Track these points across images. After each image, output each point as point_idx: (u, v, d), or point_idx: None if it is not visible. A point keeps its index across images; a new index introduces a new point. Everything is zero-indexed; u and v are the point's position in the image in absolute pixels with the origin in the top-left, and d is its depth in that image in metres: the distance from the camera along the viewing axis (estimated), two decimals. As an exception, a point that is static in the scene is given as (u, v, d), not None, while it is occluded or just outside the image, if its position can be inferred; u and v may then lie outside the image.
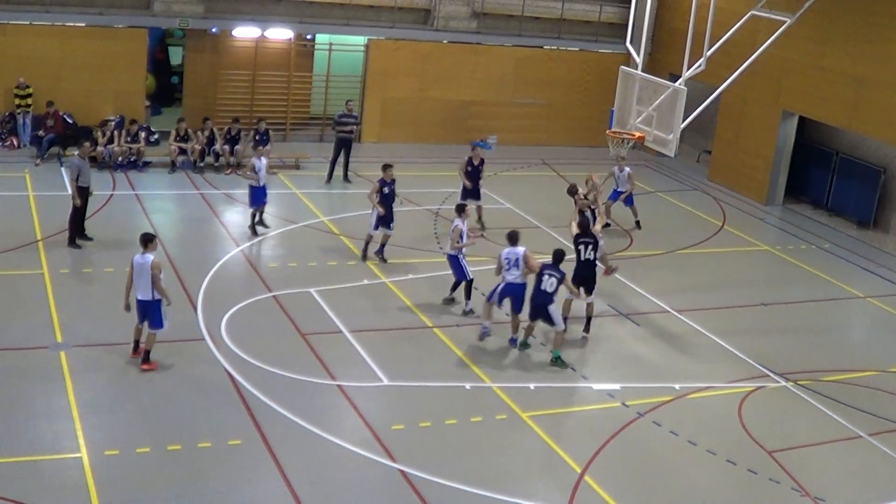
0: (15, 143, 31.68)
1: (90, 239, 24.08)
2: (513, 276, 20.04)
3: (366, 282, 22.99)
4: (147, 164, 30.87)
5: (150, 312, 17.85)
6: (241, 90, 35.25)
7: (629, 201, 29.27)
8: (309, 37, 36.49)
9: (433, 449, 16.50)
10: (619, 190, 29.06)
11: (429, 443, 16.69)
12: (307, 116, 37.03)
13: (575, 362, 19.98)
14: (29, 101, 31.76)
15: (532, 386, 18.85)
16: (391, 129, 36.95)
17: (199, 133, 31.39)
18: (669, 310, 23.29)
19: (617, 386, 19.26)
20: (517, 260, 19.99)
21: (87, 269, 22.47)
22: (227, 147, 31.40)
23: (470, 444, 16.81)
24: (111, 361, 18.34)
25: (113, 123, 31.64)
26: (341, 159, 31.32)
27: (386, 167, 24.50)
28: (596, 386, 19.24)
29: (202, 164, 31.11)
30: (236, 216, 27.21)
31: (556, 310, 19.85)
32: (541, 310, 19.73)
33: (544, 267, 19.74)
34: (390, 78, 36.71)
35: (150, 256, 17.80)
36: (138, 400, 17.03)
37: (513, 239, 20.34)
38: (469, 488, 15.37)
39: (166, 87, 38.07)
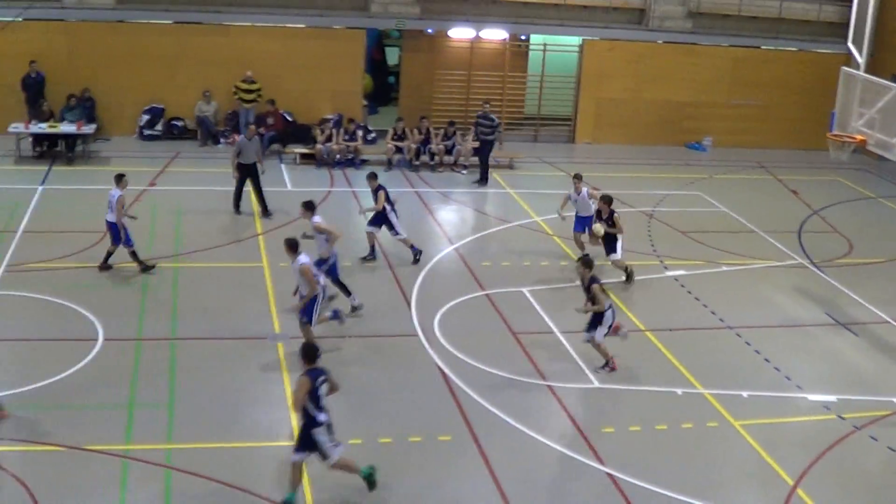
0: (238, 139, 32.73)
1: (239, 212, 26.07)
2: None
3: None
4: (364, 161, 31.52)
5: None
6: (457, 90, 35.63)
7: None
8: (523, 37, 36.62)
9: (642, 454, 16.28)
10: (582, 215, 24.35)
11: (638, 447, 16.48)
12: (521, 116, 37.17)
13: (790, 372, 19.43)
14: (254, 95, 32.79)
15: (745, 394, 18.40)
16: (605, 130, 36.76)
17: (415, 132, 31.87)
18: (890, 320, 22.40)
19: (833, 398, 18.60)
20: None
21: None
22: (442, 146, 31.78)
23: (680, 450, 16.53)
24: (327, 354, 18.73)
25: (331, 122, 32.41)
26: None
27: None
28: (811, 397, 18.63)
29: (418, 163, 31.58)
30: (451, 214, 27.52)
31: None
32: None
33: None
34: (604, 78, 36.52)
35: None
36: (352, 392, 17.34)
37: None
38: (677, 495, 15.09)
39: (383, 87, 38.80)
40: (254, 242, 24.13)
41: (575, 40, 36.54)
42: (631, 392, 18.20)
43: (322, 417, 13.98)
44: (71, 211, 25.95)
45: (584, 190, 24.00)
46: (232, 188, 26.34)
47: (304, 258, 18.13)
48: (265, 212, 26.17)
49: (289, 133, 32.41)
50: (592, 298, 18.42)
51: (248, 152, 26.12)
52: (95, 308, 20.00)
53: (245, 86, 32.84)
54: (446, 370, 18.36)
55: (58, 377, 17.25)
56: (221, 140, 32.83)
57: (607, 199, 22.91)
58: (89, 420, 15.89)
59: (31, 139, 30.89)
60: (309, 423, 13.94)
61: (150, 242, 23.73)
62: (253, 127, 27.72)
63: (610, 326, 18.69)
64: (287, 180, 29.61)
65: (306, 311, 18.16)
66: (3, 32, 30.93)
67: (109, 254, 22.10)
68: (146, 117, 33.38)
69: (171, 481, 14.68)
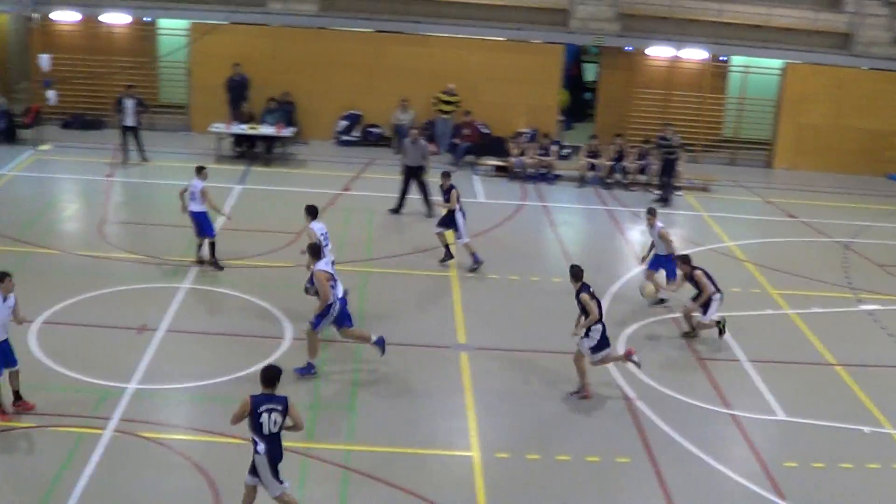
0: (432, 149, 33.04)
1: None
2: None
3: (769, 311, 22.27)
4: (557, 177, 31.40)
5: None
6: (654, 109, 35.15)
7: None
8: (723, 58, 35.92)
9: (825, 492, 15.64)
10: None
11: (821, 485, 15.84)
12: (718, 139, 36.46)
13: None
14: (453, 107, 33.03)
15: (940, 436, 17.60)
16: (804, 156, 35.74)
17: (610, 149, 31.59)
18: None
19: None
20: None
21: (493, 276, 23.01)
22: (636, 164, 31.42)
23: (864, 491, 15.81)
24: (511, 367, 18.72)
25: (526, 136, 32.38)
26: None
27: None
28: None
29: (611, 181, 31.29)
30: (641, 234, 27.18)
31: None
32: None
33: None
34: (806, 103, 35.51)
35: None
36: (535, 407, 17.24)
37: None
38: (861, 538, 14.53)
39: (579, 103, 38.60)
40: (443, 252, 24.20)
41: (776, 63, 35.65)
42: (816, 427, 17.54)
43: (260, 448, 12.77)
44: (266, 211, 26.58)
45: (658, 224, 21.98)
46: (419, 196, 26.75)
47: (321, 264, 17.93)
48: (429, 213, 26.48)
49: (483, 145, 32.52)
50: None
51: (411, 155, 26.65)
52: (285, 306, 20.40)
53: (445, 97, 33.12)
54: (629, 392, 18.05)
55: (244, 372, 17.61)
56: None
57: (685, 259, 20.67)
58: (273, 417, 16.20)
59: (231, 139, 31.78)
60: (254, 449, 12.95)
61: (342, 246, 24.06)
62: (416, 131, 28.05)
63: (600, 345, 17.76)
64: (480, 192, 29.67)
65: (316, 317, 17.80)
66: (211, 35, 31.96)
67: (201, 246, 22.53)
68: (344, 123, 33.97)
69: (347, 482, 14.81)
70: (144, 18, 34.61)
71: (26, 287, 20.82)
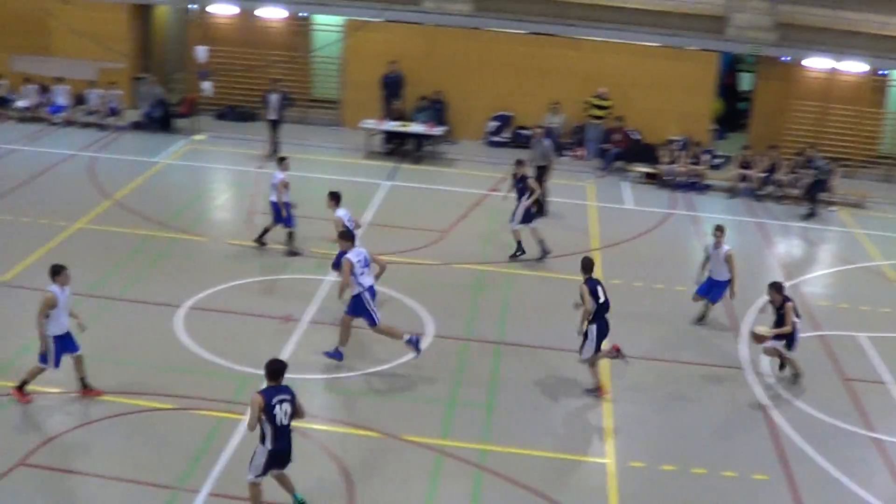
0: (581, 153, 32.87)
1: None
2: None
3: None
4: (707, 187, 30.90)
5: None
6: (809, 121, 34.29)
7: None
8: (883, 72, 34.87)
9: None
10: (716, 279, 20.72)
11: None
12: (875, 155, 35.42)
13: None
14: (605, 112, 32.81)
15: None
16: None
17: (763, 161, 30.97)
18: None
19: None
20: None
21: (638, 284, 22.77)
22: (789, 177, 30.73)
23: None
24: (652, 376, 18.50)
25: (677, 144, 31.97)
26: None
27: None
28: None
29: (763, 193, 30.67)
30: (791, 248, 26.65)
31: None
32: None
33: None
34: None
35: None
36: (673, 418, 17.01)
37: None
38: None
39: (733, 113, 37.93)
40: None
41: (941, 79, 34.52)
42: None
43: (268, 442, 12.99)
44: (414, 208, 26.76)
45: (725, 247, 20.39)
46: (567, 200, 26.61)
47: (350, 254, 17.69)
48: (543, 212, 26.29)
49: (634, 151, 32.20)
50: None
51: (532, 153, 26.71)
52: (428, 304, 20.51)
53: (597, 101, 32.90)
54: (769, 408, 17.66)
55: (385, 366, 17.78)
56: (565, 152, 32.96)
57: (778, 288, 18.58)
58: (409, 411, 16.24)
59: (382, 136, 32.08)
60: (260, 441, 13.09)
61: (485, 246, 24.14)
62: (539, 130, 28.04)
63: (599, 344, 17.43)
64: (628, 199, 29.39)
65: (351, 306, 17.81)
66: (364, 32, 32.32)
67: (266, 230, 23.02)
68: (494, 124, 34.00)
69: (480, 481, 14.81)
70: (300, 14, 35.14)
71: (175, 272, 21.46)
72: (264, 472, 13.19)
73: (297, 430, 15.57)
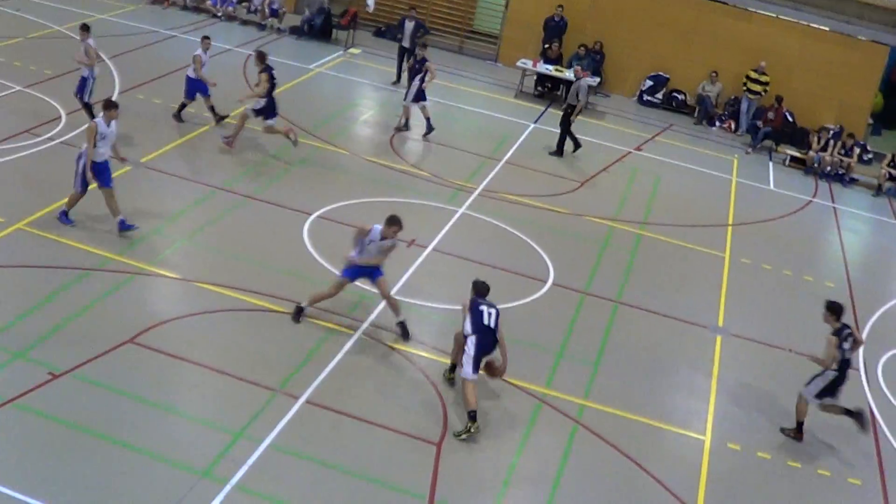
0: (732, 126, 32.29)
1: None
2: None
3: None
4: (854, 180, 30.11)
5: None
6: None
7: None
8: None
9: None
10: None
11: None
12: None
13: None
14: (761, 88, 32.13)
15: None
16: None
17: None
18: None
19: None
20: None
21: (767, 266, 22.35)
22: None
23: None
24: (762, 361, 18.25)
25: (830, 132, 31.17)
26: None
27: None
28: None
29: (913, 194, 29.82)
30: None
31: None
32: None
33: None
34: None
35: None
36: (777, 405, 16.75)
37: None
38: None
39: (892, 109, 36.82)
40: (722, 231, 23.70)
41: None
42: None
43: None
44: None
45: None
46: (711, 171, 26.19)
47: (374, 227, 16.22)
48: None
49: (785, 133, 31.50)
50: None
51: (571, 92, 26.77)
52: (553, 251, 20.47)
53: (755, 75, 32.21)
54: (878, 415, 17.27)
55: (499, 306, 17.76)
56: (717, 123, 32.41)
57: (834, 308, 15.94)
58: (518, 356, 16.20)
59: (535, 78, 31.91)
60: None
61: (622, 204, 23.97)
62: (580, 69, 28.29)
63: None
64: (770, 179, 28.82)
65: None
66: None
67: (183, 106, 23.83)
68: (649, 83, 33.54)
69: (574, 435, 14.85)
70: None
71: (310, 180, 21.73)
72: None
73: (401, 352, 15.88)
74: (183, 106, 23.82)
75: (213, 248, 18.16)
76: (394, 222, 16.03)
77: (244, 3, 33.96)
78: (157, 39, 29.96)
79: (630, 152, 27.88)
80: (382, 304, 16.66)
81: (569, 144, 26.53)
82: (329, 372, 15.09)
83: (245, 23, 33.47)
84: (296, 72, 29.28)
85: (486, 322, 14.62)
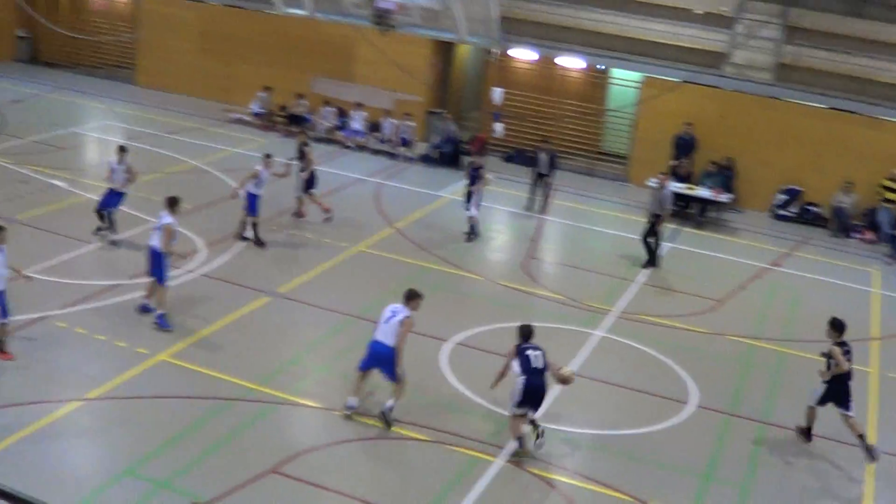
0: (871, 237, 31.56)
1: None
2: None
3: None
4: None
5: None
6: None
7: None
8: None
9: None
10: None
11: None
12: None
13: None
14: (895, 195, 31.48)
15: None
16: None
17: None
18: None
19: None
20: None
21: (893, 375, 21.59)
22: None
23: None
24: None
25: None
26: None
27: None
28: None
29: None
30: None
31: None
32: None
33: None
34: None
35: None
36: None
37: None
38: None
39: None
40: (866, 346, 22.97)
41: None
42: None
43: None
44: (691, 273, 26.27)
45: None
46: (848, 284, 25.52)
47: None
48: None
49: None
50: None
51: (652, 200, 26.22)
52: (693, 372, 20.04)
53: (890, 184, 31.56)
54: None
55: (642, 430, 17.45)
56: (854, 234, 31.72)
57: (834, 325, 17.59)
58: (661, 480, 15.88)
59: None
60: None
61: (761, 321, 23.46)
62: (664, 176, 26.90)
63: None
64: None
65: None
66: (661, 90, 32.06)
67: (255, 225, 24.22)
68: (783, 197, 33.07)
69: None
70: (598, 66, 35.22)
71: (446, 307, 21.70)
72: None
73: (545, 479, 15.59)
74: (254, 225, 24.26)
75: (350, 376, 18.18)
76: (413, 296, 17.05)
77: (375, 133, 34.58)
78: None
79: (768, 269, 27.36)
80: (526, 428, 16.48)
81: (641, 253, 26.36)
82: (473, 500, 14.86)
83: (376, 152, 34.07)
84: (426, 199, 29.61)
85: (533, 364, 15.79)
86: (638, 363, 20.41)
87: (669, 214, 26.94)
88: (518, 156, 34.89)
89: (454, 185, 31.21)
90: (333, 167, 31.34)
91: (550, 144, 30.86)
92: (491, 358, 19.25)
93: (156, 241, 19.43)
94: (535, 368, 15.74)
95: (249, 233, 24.19)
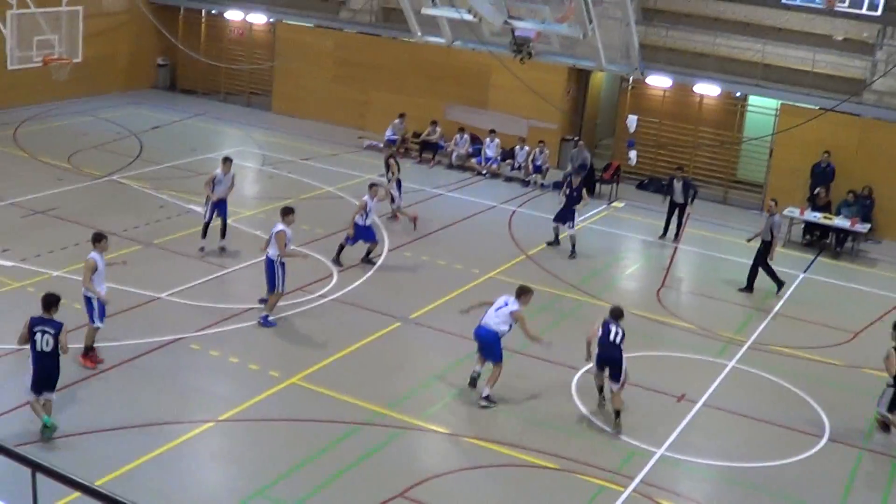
0: None
1: None
2: None
3: None
4: None
5: None
6: None
7: None
8: None
9: None
10: None
11: None
12: None
13: None
14: None
15: None
16: None
17: None
18: None
19: None
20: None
21: None
22: None
23: None
24: None
25: None
26: None
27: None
28: None
29: None
30: None
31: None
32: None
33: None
34: None
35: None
36: None
37: None
38: None
39: None
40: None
41: None
42: None
43: None
44: (826, 304, 25.75)
45: None
46: None
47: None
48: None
49: None
50: None
51: (766, 227, 25.83)
52: (827, 405, 19.63)
53: None
54: None
55: (772, 462, 17.16)
56: None
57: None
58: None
59: (802, 226, 31.13)
60: None
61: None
62: (773, 203, 26.33)
63: None
64: None
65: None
66: (799, 118, 31.51)
67: (341, 248, 24.54)
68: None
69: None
70: (735, 93, 34.80)
71: (578, 334, 21.57)
72: None
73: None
74: (368, 251, 24.68)
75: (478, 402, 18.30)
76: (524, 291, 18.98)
77: (508, 161, 34.70)
78: (423, 198, 30.83)
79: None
80: (655, 461, 16.39)
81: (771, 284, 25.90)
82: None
83: (509, 179, 34.18)
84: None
85: (610, 339, 17.75)
86: (769, 395, 20.08)
87: (780, 242, 26.62)
88: (651, 183, 34.65)
89: (588, 212, 31.15)
90: (466, 194, 31.55)
91: (685, 172, 30.54)
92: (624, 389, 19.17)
93: (272, 251, 20.52)
94: (612, 342, 17.68)
95: (376, 257, 24.72)
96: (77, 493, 7.43)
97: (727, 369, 20.85)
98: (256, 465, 15.90)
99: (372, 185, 24.90)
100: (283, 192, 29.54)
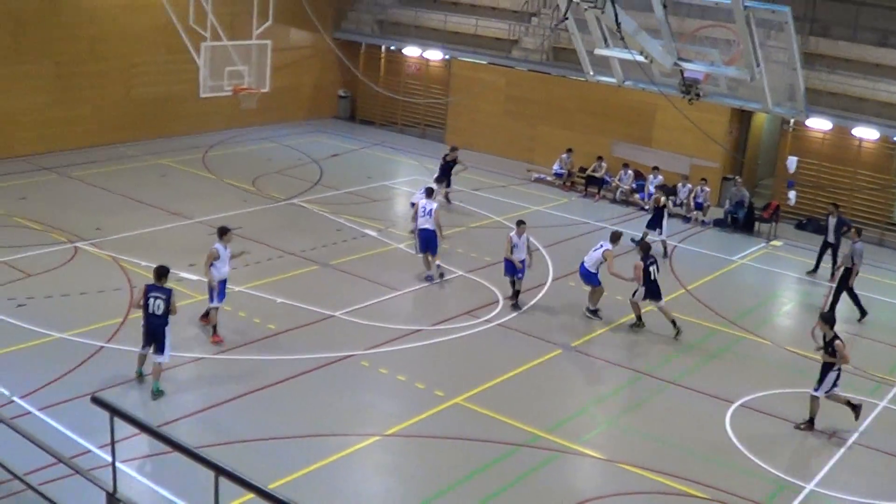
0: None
1: None
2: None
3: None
4: None
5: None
6: None
7: None
8: None
9: None
10: None
11: None
12: None
13: None
14: None
15: None
16: None
17: None
18: None
19: None
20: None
21: None
22: None
23: None
24: None
25: None
26: None
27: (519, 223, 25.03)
28: None
29: None
30: None
31: None
32: None
33: None
34: None
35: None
36: None
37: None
38: None
39: None
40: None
41: None
42: None
43: None
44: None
45: None
46: None
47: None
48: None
49: None
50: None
51: (843, 254, 26.86)
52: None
53: None
54: None
55: None
56: None
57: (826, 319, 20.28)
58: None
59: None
60: None
61: None
62: (854, 231, 26.86)
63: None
64: None
65: None
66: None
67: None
68: None
69: None
70: (893, 138, 34.59)
71: (732, 369, 22.20)
72: None
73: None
74: (512, 283, 25.04)
75: (636, 430, 18.98)
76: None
77: (670, 197, 35.25)
78: (587, 231, 31.72)
79: None
80: (803, 496, 16.86)
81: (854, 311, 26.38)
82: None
83: (670, 215, 34.65)
84: (719, 263, 30.10)
85: (652, 277, 23.29)
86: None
87: (859, 269, 26.76)
88: (809, 223, 34.80)
89: (748, 251, 31.55)
90: (630, 228, 32.19)
91: (839, 210, 30.68)
92: (775, 422, 19.65)
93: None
94: (654, 280, 23.29)
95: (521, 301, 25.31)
96: (250, 495, 8.06)
97: (878, 408, 21.12)
98: (418, 479, 16.85)
99: (519, 223, 25.19)
100: (453, 220, 30.71)
